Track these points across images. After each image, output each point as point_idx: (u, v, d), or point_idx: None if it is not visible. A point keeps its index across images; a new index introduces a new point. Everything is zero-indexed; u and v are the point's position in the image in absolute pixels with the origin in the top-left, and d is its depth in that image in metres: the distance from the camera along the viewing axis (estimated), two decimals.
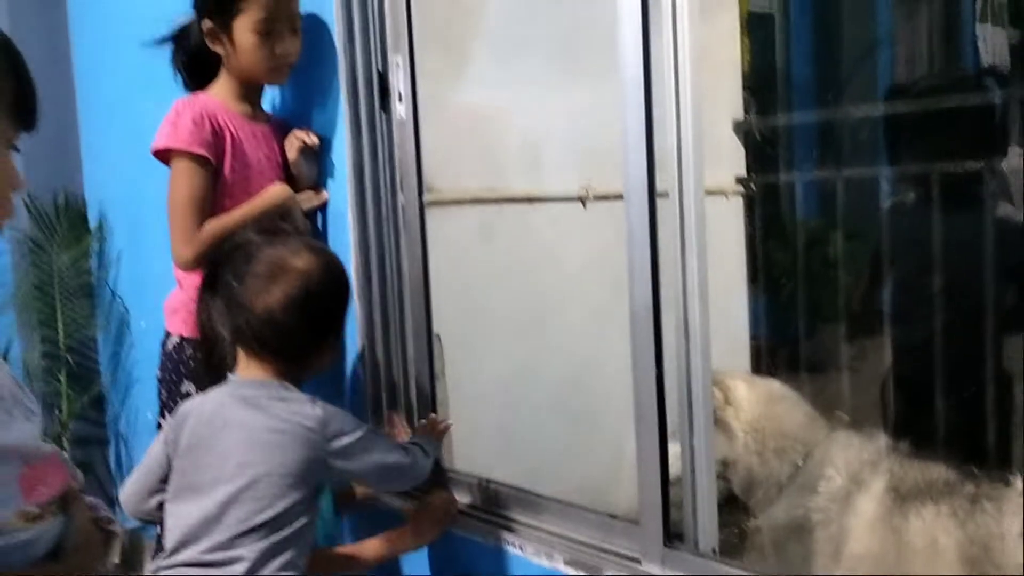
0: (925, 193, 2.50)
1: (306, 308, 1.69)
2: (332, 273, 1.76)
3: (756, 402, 1.93)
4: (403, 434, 2.01)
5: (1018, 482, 1.65)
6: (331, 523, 1.97)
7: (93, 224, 3.34)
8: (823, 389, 2.84)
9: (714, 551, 1.60)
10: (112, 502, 1.94)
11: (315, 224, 2.23)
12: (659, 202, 1.57)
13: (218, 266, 1.81)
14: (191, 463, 1.66)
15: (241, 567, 1.57)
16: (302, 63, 2.12)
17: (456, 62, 2.35)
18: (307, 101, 2.24)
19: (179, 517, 1.64)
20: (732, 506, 2.13)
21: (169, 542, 1.65)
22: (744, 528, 2.32)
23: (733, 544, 2.23)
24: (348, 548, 1.90)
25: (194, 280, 2.11)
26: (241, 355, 1.75)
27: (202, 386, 2.06)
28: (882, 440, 1.82)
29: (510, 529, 1.90)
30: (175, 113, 2.03)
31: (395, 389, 2.19)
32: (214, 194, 2.04)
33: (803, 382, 2.84)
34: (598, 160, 2.44)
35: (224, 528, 1.59)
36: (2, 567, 1.10)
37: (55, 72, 3.22)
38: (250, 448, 1.63)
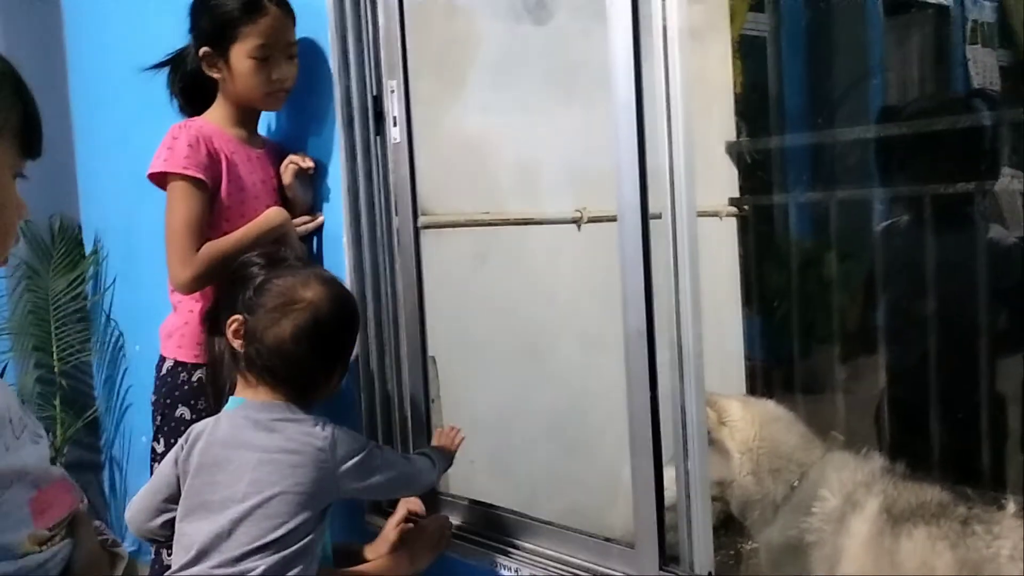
0: (918, 215, 2.52)
1: (316, 339, 1.72)
2: (341, 304, 1.78)
3: (751, 422, 1.93)
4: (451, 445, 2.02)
5: (1011, 504, 1.65)
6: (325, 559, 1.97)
7: (88, 249, 3.35)
8: (818, 410, 2.84)
9: (710, 574, 1.60)
10: (109, 526, 1.94)
11: (311, 247, 2.24)
12: (652, 224, 1.58)
13: (224, 294, 1.83)
14: (203, 483, 1.68)
15: None
16: (297, 88, 2.13)
17: (451, 88, 2.37)
18: (302, 125, 2.25)
19: (190, 535, 1.66)
20: (728, 528, 2.13)
21: (179, 559, 1.66)
22: (740, 550, 2.32)
23: (729, 566, 2.23)
24: (343, 572, 1.89)
25: (189, 304, 2.12)
26: (248, 379, 1.76)
27: (197, 410, 2.07)
28: (877, 461, 1.82)
29: (505, 553, 1.89)
30: (171, 137, 2.04)
31: (390, 412, 2.19)
32: (211, 218, 2.05)
33: (798, 403, 2.84)
34: (592, 183, 2.45)
35: (234, 544, 1.61)
36: None
37: (51, 97, 3.22)
38: (262, 468, 1.65)
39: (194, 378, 2.10)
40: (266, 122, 2.29)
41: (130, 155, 2.84)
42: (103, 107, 3.17)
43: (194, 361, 2.10)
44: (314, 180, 2.21)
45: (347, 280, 2.13)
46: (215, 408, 1.93)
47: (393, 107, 2.12)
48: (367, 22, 2.12)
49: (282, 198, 2.18)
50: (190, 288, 2.03)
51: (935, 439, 2.47)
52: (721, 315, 2.95)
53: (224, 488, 1.65)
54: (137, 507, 1.78)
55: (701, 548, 1.60)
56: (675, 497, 1.60)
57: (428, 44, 2.26)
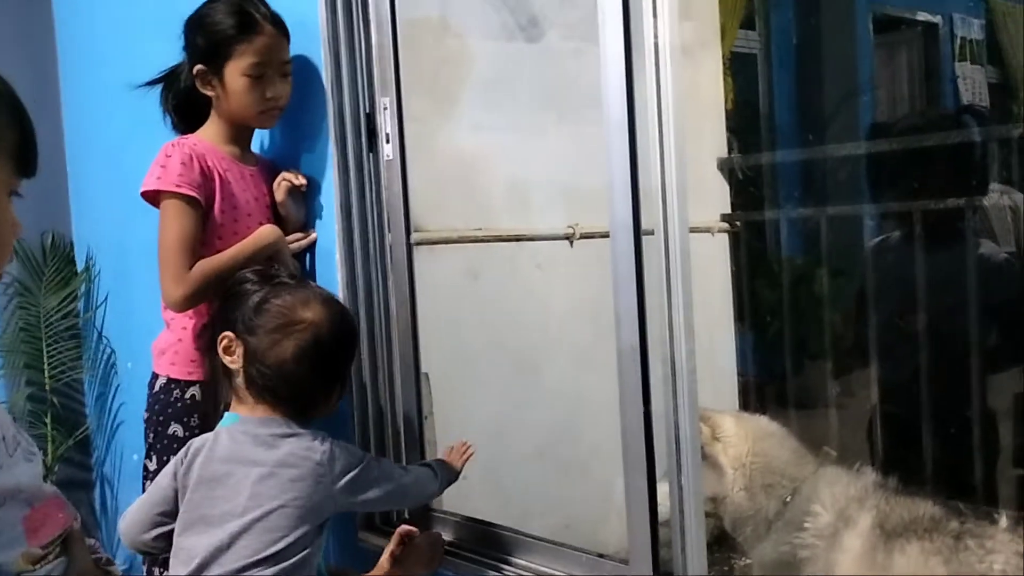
0: (908, 230, 2.53)
1: (317, 359, 1.73)
2: (342, 323, 1.79)
3: (744, 438, 1.93)
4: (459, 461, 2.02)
5: (1003, 519, 1.65)
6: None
7: (80, 266, 3.34)
8: (810, 425, 2.84)
9: None
10: (101, 544, 1.93)
11: (304, 264, 2.24)
12: (645, 240, 1.59)
13: (222, 312, 1.83)
14: (202, 497, 1.69)
15: None
16: (290, 105, 2.14)
17: (443, 105, 2.38)
18: (295, 142, 2.26)
19: (189, 549, 1.66)
20: (722, 544, 2.13)
21: (178, 572, 1.66)
22: (733, 566, 2.32)
23: None
24: None
25: (182, 321, 2.11)
26: (247, 397, 1.76)
27: (190, 427, 2.07)
28: (869, 476, 1.82)
29: (499, 569, 1.89)
30: (164, 155, 2.04)
31: (383, 428, 2.18)
32: (203, 235, 2.05)
33: (790, 418, 2.85)
34: (584, 199, 2.46)
35: (234, 558, 1.62)
36: None
37: (44, 114, 3.23)
38: (262, 483, 1.66)
39: (187, 395, 2.09)
40: (259, 139, 2.30)
41: (122, 172, 2.84)
42: (95, 124, 3.17)
43: (187, 378, 2.09)
44: (307, 197, 2.21)
45: (340, 296, 2.13)
46: (207, 425, 1.92)
47: (386, 124, 2.13)
48: (360, 40, 2.13)
49: (275, 215, 2.18)
50: (183, 306, 2.03)
51: (927, 454, 2.48)
52: (713, 331, 2.96)
53: (224, 502, 1.66)
54: (132, 519, 1.78)
55: (695, 564, 1.59)
56: (669, 513, 1.59)
57: (421, 62, 2.27)
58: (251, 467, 1.67)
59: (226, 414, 1.78)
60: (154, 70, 2.21)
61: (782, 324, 3.22)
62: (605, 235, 1.64)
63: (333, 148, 2.13)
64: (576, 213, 2.55)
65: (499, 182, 2.49)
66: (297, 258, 2.20)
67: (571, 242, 2.56)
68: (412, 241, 2.16)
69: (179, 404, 2.09)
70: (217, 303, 1.94)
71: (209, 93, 2.10)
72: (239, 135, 2.16)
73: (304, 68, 2.16)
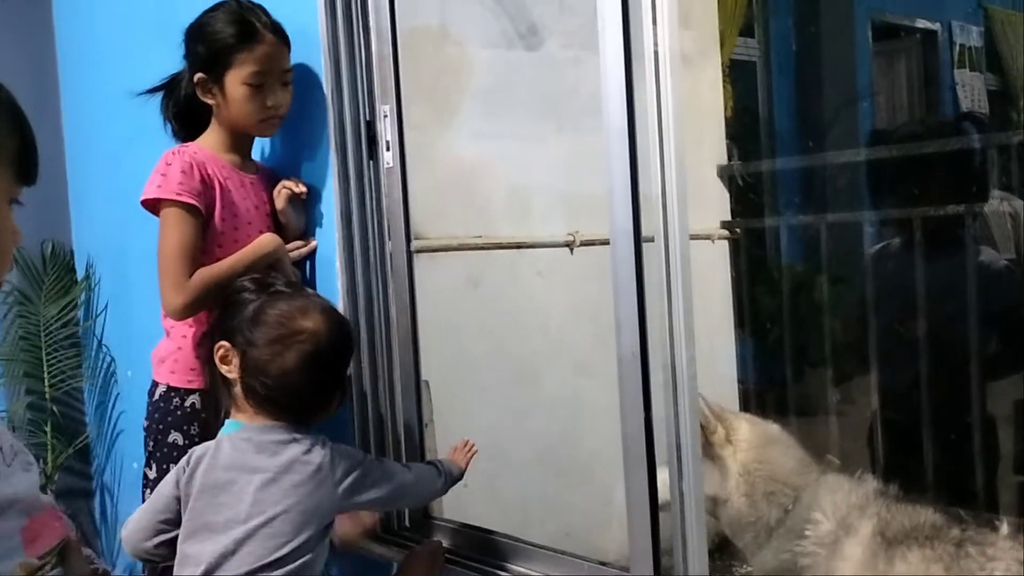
0: (908, 237, 2.53)
1: (317, 368, 1.74)
2: (340, 331, 1.80)
3: (755, 444, 1.92)
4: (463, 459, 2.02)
5: (1004, 526, 1.65)
6: None
7: (80, 274, 3.34)
8: (811, 432, 2.84)
9: None
10: (99, 554, 1.93)
11: (304, 272, 2.24)
12: (645, 247, 1.59)
13: (219, 322, 1.84)
14: (206, 504, 1.69)
15: None
16: (291, 113, 2.14)
17: (443, 113, 2.38)
18: (296, 150, 2.26)
19: (194, 556, 1.67)
20: (723, 552, 2.12)
21: None
22: (735, 574, 2.31)
23: None
24: None
25: (182, 329, 2.11)
26: (247, 406, 1.77)
27: (190, 435, 2.07)
28: (870, 484, 1.82)
29: None
30: (164, 163, 2.05)
31: (383, 436, 2.18)
32: (204, 243, 2.05)
33: (791, 425, 2.84)
34: (584, 206, 2.46)
35: (239, 564, 1.63)
36: None
37: (43, 121, 3.23)
38: (264, 489, 1.67)
39: (187, 403, 2.09)
40: (259, 147, 2.30)
41: (122, 180, 2.84)
42: (95, 132, 3.17)
43: (187, 386, 2.09)
44: (307, 205, 2.22)
45: (340, 304, 2.13)
46: (207, 434, 1.92)
47: (386, 131, 2.13)
48: (360, 47, 2.13)
49: (275, 223, 2.18)
50: (183, 315, 2.03)
51: (928, 461, 2.47)
52: (714, 338, 2.96)
53: (227, 509, 1.67)
54: (134, 527, 1.78)
55: (697, 571, 1.59)
56: (667, 496, 1.59)
57: (421, 70, 2.27)
58: (253, 474, 1.68)
59: (227, 421, 1.79)
60: (154, 77, 2.22)
61: (782, 331, 3.21)
62: (605, 242, 1.64)
63: (333, 156, 2.13)
64: (576, 220, 2.55)
65: (499, 189, 2.49)
66: (297, 266, 2.20)
67: (571, 249, 2.56)
68: (412, 248, 2.16)
69: (179, 412, 2.09)
70: (216, 312, 1.94)
71: (209, 101, 2.10)
72: (239, 143, 2.16)
73: (304, 76, 2.16)
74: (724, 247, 3.07)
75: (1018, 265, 2.63)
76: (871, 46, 5.06)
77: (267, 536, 1.64)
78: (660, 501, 1.60)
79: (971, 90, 5.36)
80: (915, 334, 2.50)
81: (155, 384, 2.15)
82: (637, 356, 1.59)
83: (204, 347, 1.91)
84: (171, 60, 2.17)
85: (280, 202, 2.16)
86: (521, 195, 2.53)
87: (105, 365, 3.25)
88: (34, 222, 2.98)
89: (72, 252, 3.37)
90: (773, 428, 1.98)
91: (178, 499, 1.74)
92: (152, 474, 2.08)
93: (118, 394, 3.21)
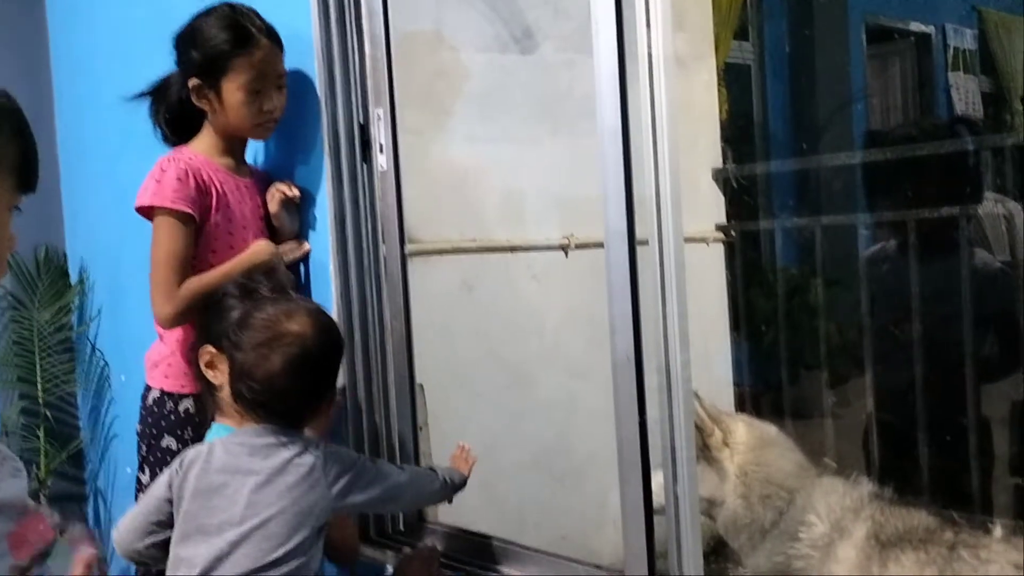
0: (903, 240, 2.53)
1: (304, 371, 1.73)
2: (327, 333, 1.79)
3: (752, 447, 1.92)
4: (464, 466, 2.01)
5: (998, 529, 1.65)
6: None
7: (74, 279, 3.33)
8: (806, 435, 2.84)
9: None
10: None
11: (298, 276, 2.23)
12: (639, 250, 1.58)
13: (200, 326, 1.83)
14: (199, 507, 1.69)
15: None
16: (284, 116, 2.14)
17: (437, 117, 2.38)
18: (289, 153, 2.25)
19: (188, 559, 1.67)
20: (718, 554, 2.12)
21: None
22: None
23: None
24: None
25: (176, 334, 2.10)
26: (236, 411, 1.77)
27: (183, 440, 2.06)
28: (865, 486, 1.82)
29: None
30: (159, 170, 2.04)
31: (378, 440, 2.18)
32: (198, 249, 2.04)
33: (786, 428, 2.85)
34: (578, 209, 2.46)
35: (233, 565, 1.63)
36: None
37: (37, 126, 3.14)
38: (258, 492, 1.67)
39: (180, 408, 2.08)
40: (252, 151, 2.29)
41: (116, 185, 2.84)
42: (89, 136, 3.17)
43: (180, 391, 2.08)
44: (300, 208, 2.21)
45: (334, 308, 2.12)
46: (201, 438, 1.92)
47: (379, 134, 2.13)
48: (353, 50, 2.13)
49: (268, 227, 2.17)
50: (172, 323, 2.03)
51: (922, 464, 2.47)
52: (709, 340, 2.95)
53: (221, 512, 1.67)
54: (126, 528, 1.78)
55: (692, 574, 1.59)
56: (663, 501, 1.59)
57: (415, 74, 2.27)
58: (247, 476, 1.68)
59: (213, 425, 1.78)
60: (148, 81, 2.21)
61: (777, 334, 3.22)
62: (600, 245, 1.64)
63: (327, 159, 2.13)
64: (571, 223, 2.55)
65: (493, 193, 2.49)
66: (291, 270, 2.19)
67: (566, 252, 2.56)
68: (406, 252, 2.16)
69: (172, 417, 2.08)
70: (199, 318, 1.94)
71: (204, 107, 2.09)
72: (233, 147, 2.16)
73: (297, 80, 2.16)
74: (719, 250, 3.07)
75: (1012, 267, 2.63)
76: (865, 49, 5.07)
77: (262, 538, 1.64)
78: (655, 505, 1.60)
79: (965, 93, 5.37)
80: (909, 336, 2.50)
81: (148, 388, 2.14)
82: (631, 359, 1.59)
83: (196, 353, 1.91)
84: (165, 64, 2.16)
85: (273, 206, 2.16)
86: (515, 198, 2.53)
87: (98, 370, 3.24)
88: (28, 227, 2.95)
89: (66, 256, 3.36)
90: (771, 430, 1.98)
91: (170, 501, 1.73)
92: (145, 479, 2.07)
93: (111, 399, 3.20)
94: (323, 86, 2.12)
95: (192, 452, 1.76)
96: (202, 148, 2.12)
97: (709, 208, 3.09)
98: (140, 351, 2.22)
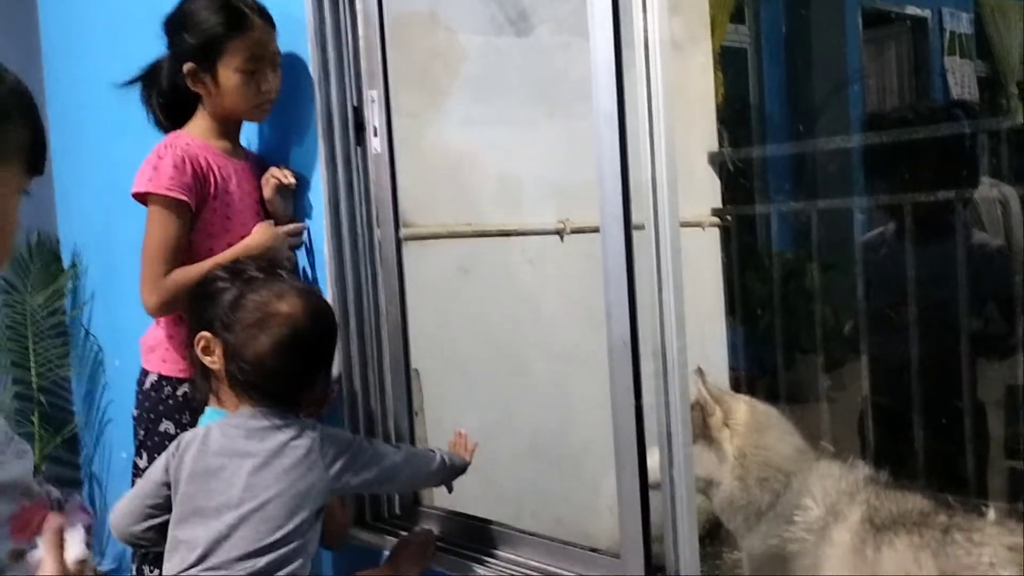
0: (899, 224, 2.53)
1: (295, 352, 1.72)
2: (318, 314, 1.79)
3: (751, 429, 1.91)
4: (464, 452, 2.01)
5: (991, 512, 1.65)
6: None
7: (67, 263, 3.32)
8: (801, 418, 2.84)
9: None
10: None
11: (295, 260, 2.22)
12: (635, 234, 1.58)
13: (191, 311, 1.82)
14: (196, 490, 1.69)
15: None
16: (277, 99, 2.12)
17: (432, 99, 2.37)
18: (283, 136, 2.24)
19: (187, 541, 1.67)
20: (714, 537, 2.12)
21: (177, 564, 1.67)
22: (726, 559, 2.32)
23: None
24: None
25: (172, 318, 2.09)
26: (231, 394, 1.77)
27: (181, 424, 2.05)
28: (860, 470, 1.82)
29: (491, 565, 1.88)
30: (156, 156, 2.02)
31: (373, 425, 2.17)
32: (196, 234, 2.03)
33: (782, 412, 2.85)
34: (574, 194, 2.45)
35: (232, 547, 1.64)
36: None
37: None
38: (256, 474, 1.67)
39: (179, 392, 2.08)
40: (246, 134, 2.28)
41: (109, 169, 2.82)
42: (81, 121, 3.15)
43: (179, 375, 2.08)
44: (295, 192, 2.20)
45: (329, 292, 2.11)
46: (199, 423, 1.91)
47: (373, 117, 2.11)
48: (346, 32, 2.11)
49: (263, 210, 2.16)
50: (157, 312, 2.04)
51: (918, 447, 2.48)
52: (705, 325, 2.96)
53: (219, 495, 1.67)
54: (122, 511, 1.78)
55: (687, 559, 1.59)
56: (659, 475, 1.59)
57: (410, 56, 2.26)
58: (244, 458, 1.68)
59: (207, 410, 1.78)
60: (141, 65, 2.19)
61: (773, 318, 3.22)
62: (596, 230, 1.63)
63: (320, 142, 2.11)
64: (566, 208, 2.54)
65: (489, 177, 2.48)
66: (293, 251, 2.18)
67: (562, 237, 2.56)
68: (401, 236, 2.15)
69: (171, 401, 2.08)
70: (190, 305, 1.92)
71: (200, 91, 2.07)
72: (229, 129, 2.14)
73: (291, 61, 2.14)
74: (715, 234, 3.07)
75: (1009, 250, 2.63)
76: (861, 33, 5.06)
77: (260, 520, 1.65)
78: (651, 481, 1.60)
79: (961, 77, 5.36)
80: (905, 320, 2.50)
81: (145, 372, 2.13)
82: (627, 344, 1.59)
83: (190, 340, 1.90)
84: (157, 48, 2.14)
85: (268, 191, 2.14)
86: (511, 182, 2.52)
87: (92, 354, 3.23)
88: (20, 211, 2.95)
89: (58, 241, 3.35)
90: (772, 413, 1.97)
91: (167, 485, 1.74)
92: (143, 463, 2.07)
93: (106, 383, 3.19)
94: (316, 68, 2.10)
95: (189, 435, 1.76)
96: (198, 132, 2.11)
97: (705, 192, 3.09)
98: (134, 335, 2.21)
